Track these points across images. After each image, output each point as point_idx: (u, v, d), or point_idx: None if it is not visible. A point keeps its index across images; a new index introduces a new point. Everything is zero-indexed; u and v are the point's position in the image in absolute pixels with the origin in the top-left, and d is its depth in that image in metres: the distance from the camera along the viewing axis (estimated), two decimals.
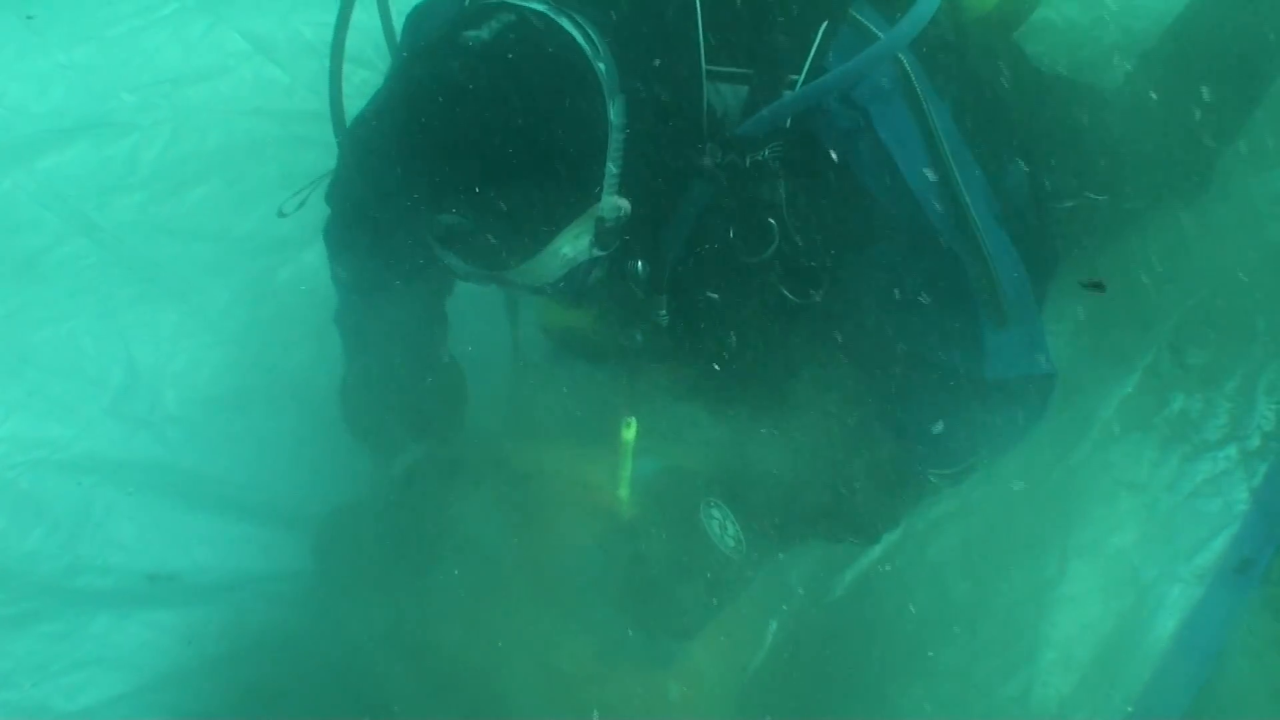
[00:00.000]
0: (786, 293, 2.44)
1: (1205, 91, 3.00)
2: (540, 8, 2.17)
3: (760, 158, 2.32)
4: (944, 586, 2.89)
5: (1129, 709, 2.67)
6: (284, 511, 3.25)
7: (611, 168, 2.21)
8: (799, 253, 2.39)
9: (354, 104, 2.56)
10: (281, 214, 2.66)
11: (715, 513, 2.54)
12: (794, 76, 2.32)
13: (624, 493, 2.68)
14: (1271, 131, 3.11)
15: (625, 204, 2.25)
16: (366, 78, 2.69)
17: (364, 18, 2.71)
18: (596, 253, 2.30)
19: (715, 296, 2.48)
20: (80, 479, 3.20)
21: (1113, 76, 3.27)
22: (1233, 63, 3.07)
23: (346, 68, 2.67)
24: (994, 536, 2.92)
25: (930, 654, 2.81)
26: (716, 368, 2.54)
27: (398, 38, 2.71)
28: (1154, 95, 3.07)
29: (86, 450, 3.24)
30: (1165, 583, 2.77)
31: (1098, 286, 2.65)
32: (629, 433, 2.61)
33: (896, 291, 2.37)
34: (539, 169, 2.12)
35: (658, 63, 2.26)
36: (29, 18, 3.89)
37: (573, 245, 2.26)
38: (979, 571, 2.88)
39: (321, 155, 3.08)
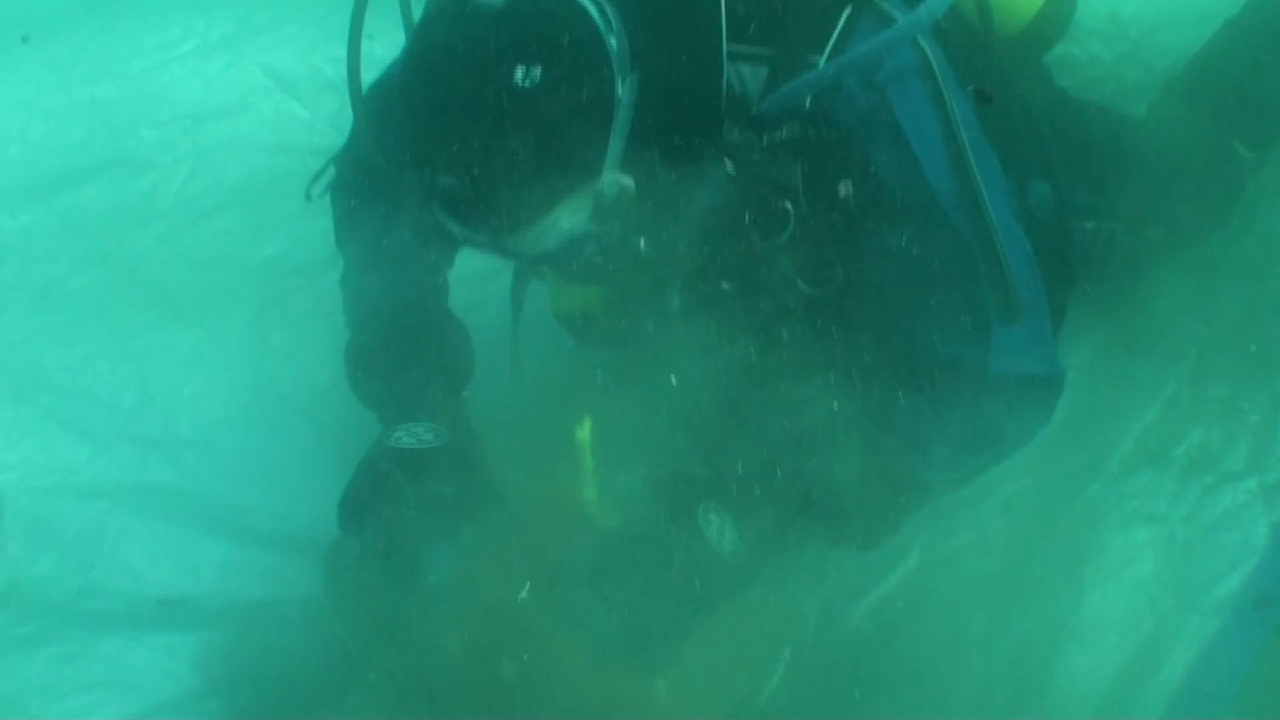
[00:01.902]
0: (801, 284, 2.44)
1: (1239, 145, 3.02)
2: None
3: (778, 139, 2.33)
4: (959, 617, 2.85)
5: None
6: (295, 536, 3.23)
7: (616, 144, 2.20)
8: (814, 238, 2.38)
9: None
10: (309, 198, 2.67)
11: (713, 517, 2.52)
12: (814, 58, 2.33)
13: (589, 493, 2.66)
14: None
15: (629, 181, 2.24)
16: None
17: None
18: (594, 228, 2.29)
19: (728, 287, 2.48)
20: (93, 503, 3.21)
21: (1136, 110, 3.27)
22: (1255, 98, 3.06)
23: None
24: (1010, 568, 2.89)
25: (945, 684, 2.77)
26: (727, 363, 2.53)
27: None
28: (1177, 127, 3.07)
29: (100, 474, 3.25)
30: (1182, 615, 2.73)
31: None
32: (583, 432, 2.60)
33: (906, 281, 2.36)
34: (541, 139, 2.12)
35: (678, 41, 2.27)
36: (25, 39, 3.91)
37: (571, 218, 2.25)
38: (994, 603, 2.85)
39: None
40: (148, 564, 3.15)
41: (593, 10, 2.18)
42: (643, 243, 2.36)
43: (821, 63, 2.32)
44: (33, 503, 3.19)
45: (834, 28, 2.36)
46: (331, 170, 2.79)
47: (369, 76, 2.68)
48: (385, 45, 2.77)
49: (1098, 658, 2.75)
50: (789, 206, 2.36)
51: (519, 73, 2.09)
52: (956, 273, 2.35)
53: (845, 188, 2.34)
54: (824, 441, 2.48)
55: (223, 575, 3.18)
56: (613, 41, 2.18)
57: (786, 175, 2.35)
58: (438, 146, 2.16)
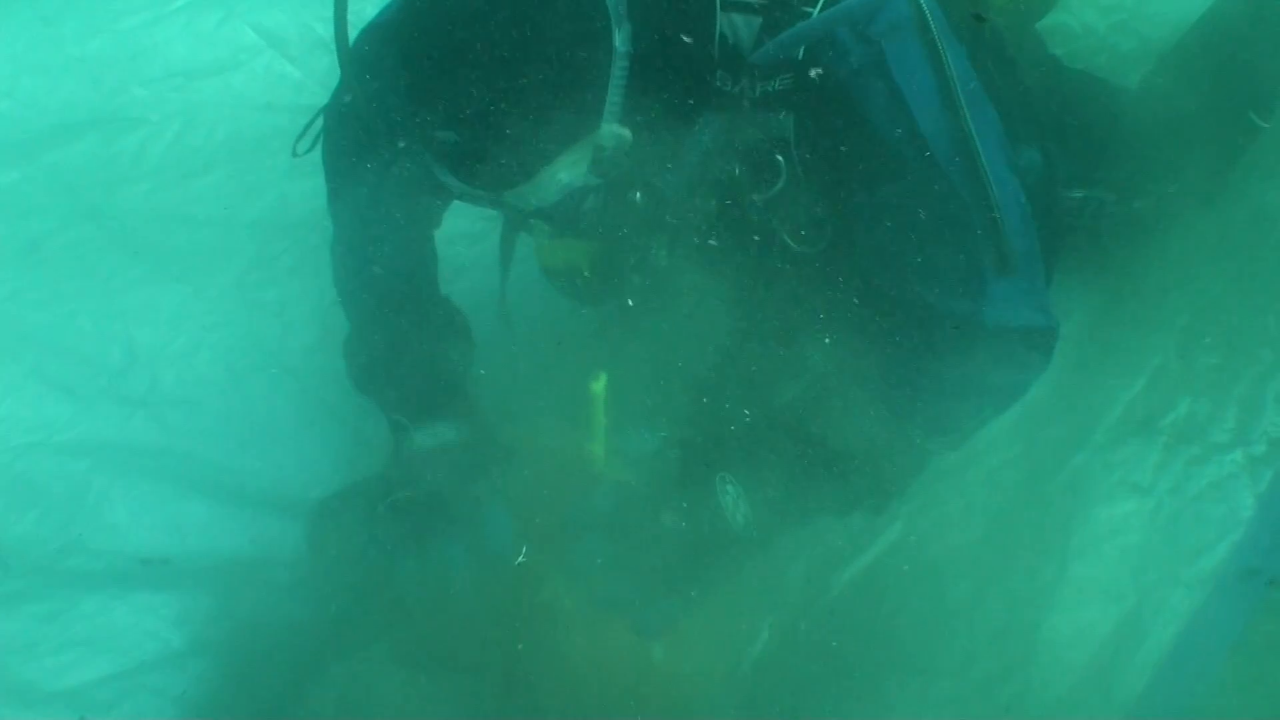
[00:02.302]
0: (789, 240, 2.42)
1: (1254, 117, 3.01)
2: None
3: (770, 90, 2.31)
4: (944, 586, 2.86)
5: (1125, 711, 2.63)
6: (279, 497, 3.21)
7: (614, 96, 2.19)
8: (805, 193, 2.36)
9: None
10: (295, 154, 2.65)
11: (730, 488, 2.52)
12: (808, 9, 2.31)
13: (598, 449, 2.66)
14: None
15: (626, 133, 2.23)
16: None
17: None
18: (593, 180, 2.28)
19: (715, 244, 2.46)
20: (77, 461, 3.18)
21: (1129, 80, 3.25)
22: (1247, 70, 3.05)
23: None
24: (995, 537, 2.89)
25: (928, 652, 2.77)
26: (715, 323, 2.52)
27: None
28: (1170, 98, 3.06)
29: (84, 432, 3.23)
30: (1166, 586, 2.73)
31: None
32: (598, 386, 2.59)
33: (897, 234, 2.33)
34: (540, 91, 2.12)
35: None
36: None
37: (570, 171, 2.24)
38: (979, 571, 2.85)
39: None
40: (131, 523, 3.12)
41: None
42: (639, 195, 2.36)
43: (815, 13, 2.30)
44: (15, 460, 3.16)
45: None
46: (319, 125, 2.75)
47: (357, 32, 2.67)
48: (376, 3, 2.75)
49: (1082, 627, 2.75)
50: (780, 159, 2.35)
51: (517, 24, 2.08)
52: (949, 225, 2.31)
53: (836, 140, 2.32)
54: (821, 404, 2.47)
55: (207, 535, 3.16)
56: None
57: (778, 127, 2.34)
58: (437, 102, 2.15)
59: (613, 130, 2.21)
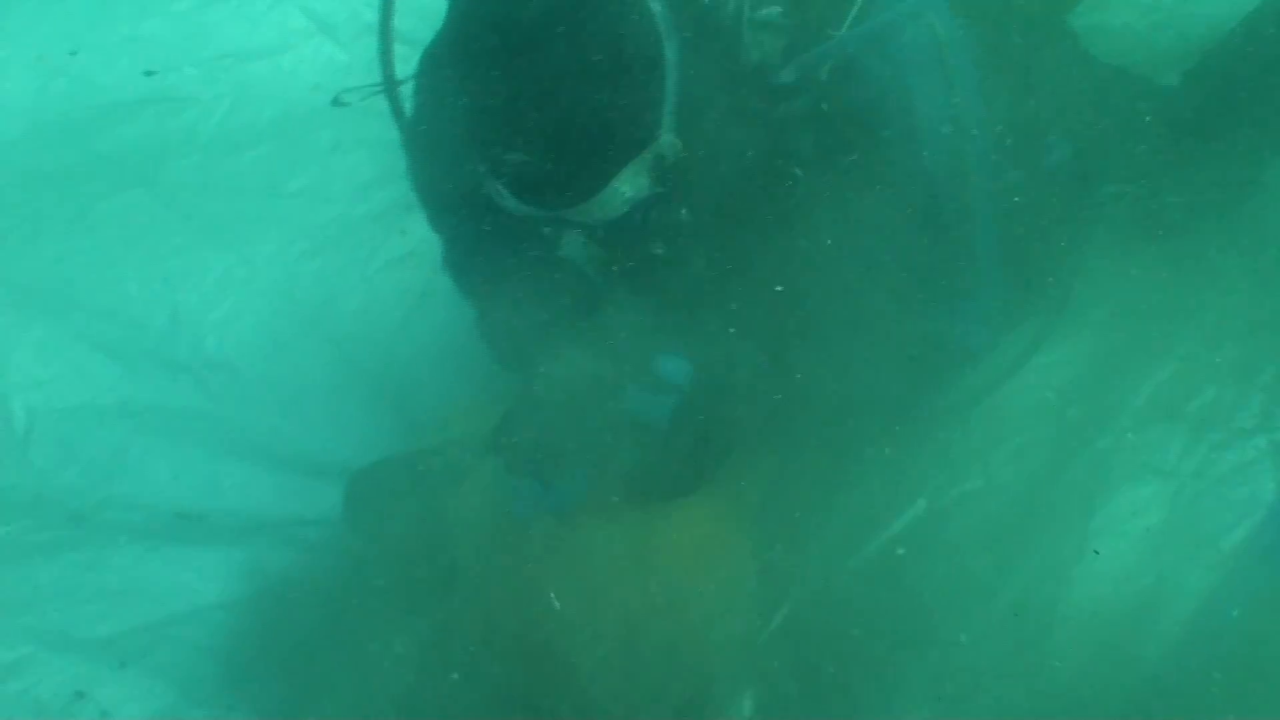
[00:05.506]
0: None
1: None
2: None
3: (793, 108, 2.36)
4: (964, 561, 2.87)
5: (1141, 688, 2.65)
6: (314, 461, 3.28)
7: (670, 105, 2.23)
8: (816, 206, 2.41)
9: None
10: (336, 102, 2.68)
11: None
12: (834, 32, 2.36)
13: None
14: None
15: (679, 142, 2.27)
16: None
17: None
18: (656, 191, 2.31)
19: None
20: (120, 422, 3.27)
21: (1169, 78, 3.27)
22: None
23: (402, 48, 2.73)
24: (1016, 514, 2.91)
25: (946, 626, 2.79)
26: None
27: None
28: (1206, 95, 3.07)
29: (127, 394, 3.31)
30: (1186, 567, 2.75)
31: None
32: None
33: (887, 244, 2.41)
34: (602, 107, 2.16)
35: (704, 6, 2.29)
36: (72, 53, 3.95)
37: (632, 184, 2.27)
38: (1000, 548, 2.86)
39: (376, 124, 3.13)
40: (169, 480, 3.21)
41: None
42: (685, 213, 2.40)
43: (839, 36, 2.37)
44: (61, 420, 3.24)
45: (854, 2, 2.39)
46: (369, 90, 2.76)
47: (407, 21, 2.72)
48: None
49: (1099, 606, 2.77)
50: (799, 172, 2.39)
51: (577, 44, 2.13)
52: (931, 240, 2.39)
53: (852, 158, 2.37)
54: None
55: (242, 495, 3.24)
56: (655, 6, 2.21)
57: (798, 143, 2.38)
58: (498, 125, 2.18)
59: (671, 139, 2.26)
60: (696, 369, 2.51)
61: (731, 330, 2.56)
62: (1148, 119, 2.99)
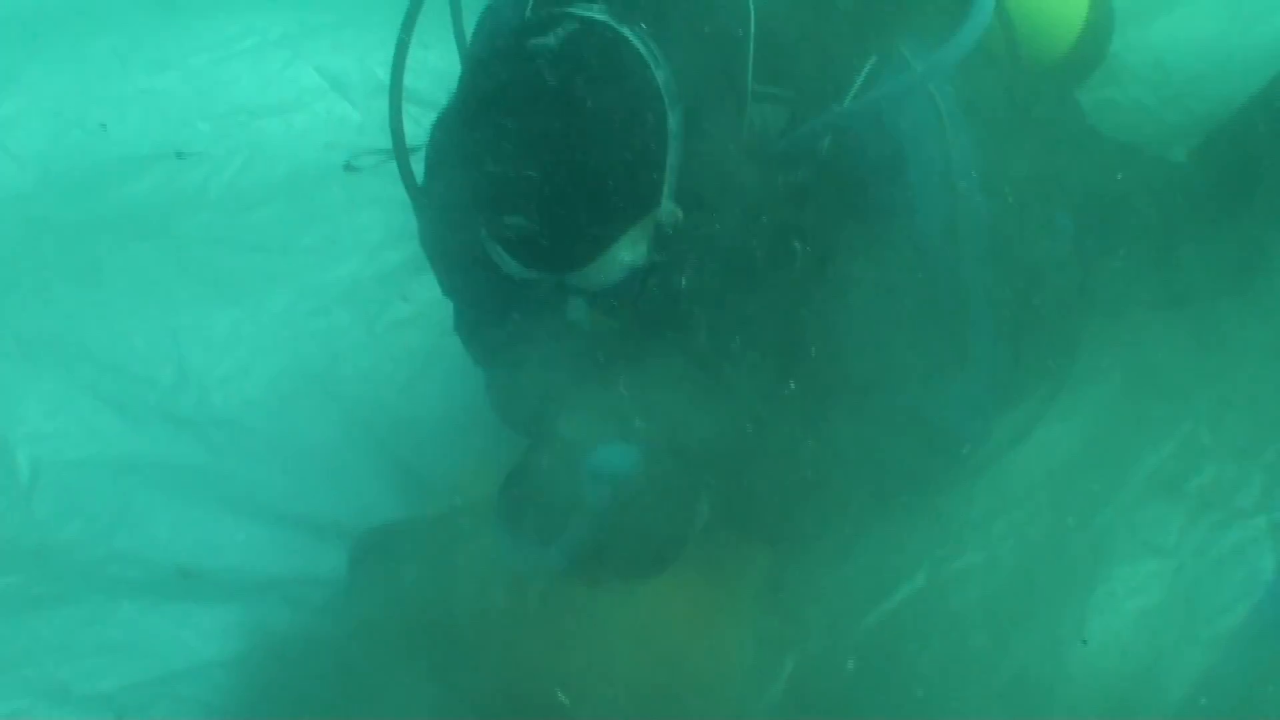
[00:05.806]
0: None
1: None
2: (602, 17, 2.22)
3: (793, 180, 2.38)
4: (962, 636, 2.87)
5: None
6: (318, 521, 3.27)
7: (671, 175, 2.24)
8: (815, 278, 2.44)
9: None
10: (349, 167, 2.69)
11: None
12: (835, 106, 2.39)
13: None
14: None
15: (679, 211, 2.28)
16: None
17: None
18: (655, 258, 2.33)
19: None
20: (124, 477, 3.28)
21: (1175, 154, 3.30)
22: None
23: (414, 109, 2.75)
24: (1016, 591, 2.91)
25: (943, 698, 2.79)
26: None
27: (468, 41, 2.76)
28: (1213, 173, 3.09)
29: (133, 447, 3.32)
30: (1184, 646, 2.74)
31: None
32: None
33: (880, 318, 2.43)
34: (605, 174, 2.16)
35: (709, 77, 2.31)
36: (102, 126, 3.99)
37: (631, 251, 2.28)
38: (998, 624, 2.86)
39: (388, 183, 3.16)
40: (171, 536, 3.20)
41: (640, 45, 2.21)
42: (684, 281, 2.40)
43: (839, 108, 2.38)
44: (65, 473, 3.25)
45: (857, 76, 2.41)
46: (379, 156, 2.79)
47: (420, 82, 2.74)
48: (441, 55, 2.84)
49: (1097, 683, 2.76)
50: (798, 245, 2.42)
51: (581, 110, 2.13)
52: (923, 317, 2.43)
53: (850, 232, 2.40)
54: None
55: (244, 553, 3.23)
56: (660, 75, 2.23)
57: (797, 215, 2.41)
58: (503, 190, 2.18)
59: (671, 208, 2.27)
60: (645, 457, 2.50)
61: (727, 401, 2.57)
62: (1153, 194, 3.01)
